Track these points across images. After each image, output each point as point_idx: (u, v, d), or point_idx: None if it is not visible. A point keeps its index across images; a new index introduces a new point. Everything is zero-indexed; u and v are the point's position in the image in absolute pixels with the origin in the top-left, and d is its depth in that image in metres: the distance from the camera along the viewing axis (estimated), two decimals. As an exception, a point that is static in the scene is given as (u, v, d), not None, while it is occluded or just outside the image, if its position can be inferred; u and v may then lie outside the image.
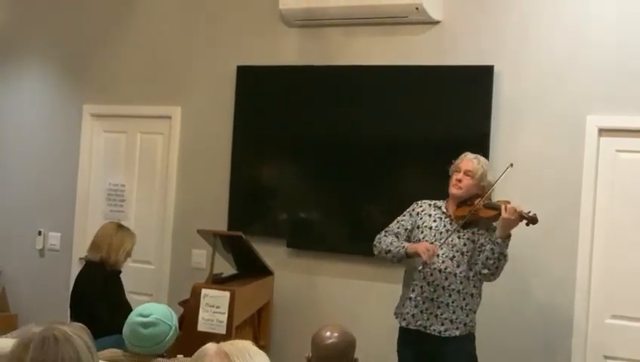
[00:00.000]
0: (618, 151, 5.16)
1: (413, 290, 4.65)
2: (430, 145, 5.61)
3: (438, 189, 5.47)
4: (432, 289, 4.57)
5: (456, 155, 5.44)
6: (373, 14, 5.69)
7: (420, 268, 4.54)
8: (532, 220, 4.46)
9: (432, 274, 4.58)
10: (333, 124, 5.91)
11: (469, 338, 4.66)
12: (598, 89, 5.17)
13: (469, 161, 4.70)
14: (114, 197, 6.78)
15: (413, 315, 4.63)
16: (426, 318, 4.59)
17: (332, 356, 3.38)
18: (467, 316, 4.60)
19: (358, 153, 5.82)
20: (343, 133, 5.88)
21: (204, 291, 5.23)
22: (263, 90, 6.17)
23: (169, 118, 6.54)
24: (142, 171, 6.70)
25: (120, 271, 5.57)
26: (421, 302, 4.61)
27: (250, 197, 6.21)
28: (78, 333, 2.19)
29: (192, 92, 6.46)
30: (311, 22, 5.95)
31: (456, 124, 5.52)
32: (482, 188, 4.66)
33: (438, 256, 4.55)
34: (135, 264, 6.28)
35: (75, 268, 6.71)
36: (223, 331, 5.07)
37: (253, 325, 5.70)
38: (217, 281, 5.47)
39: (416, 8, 5.49)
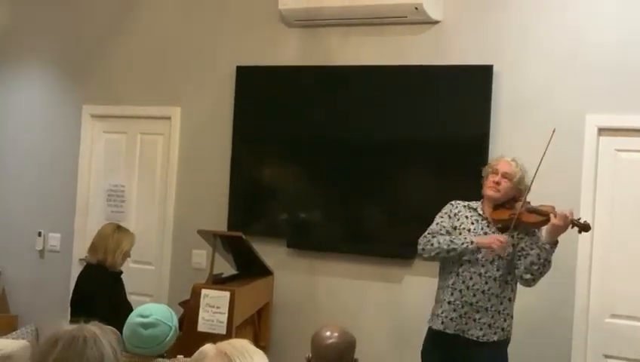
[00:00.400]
0: (618, 150, 5.16)
1: (452, 294, 4.53)
2: (430, 145, 5.61)
3: (437, 189, 5.49)
4: (471, 294, 4.48)
5: (456, 155, 5.47)
6: (373, 14, 5.69)
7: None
8: (584, 227, 4.40)
9: (471, 278, 4.49)
10: (333, 123, 5.91)
11: (504, 344, 4.60)
12: (598, 88, 5.17)
13: (506, 163, 4.61)
14: (114, 197, 6.78)
15: (452, 319, 4.52)
16: (464, 322, 4.50)
17: (332, 356, 3.38)
18: (505, 321, 4.54)
19: (358, 153, 5.82)
20: (342, 133, 5.88)
21: (204, 291, 5.22)
22: (263, 90, 6.17)
23: (169, 118, 6.54)
24: (142, 172, 6.70)
25: (121, 272, 5.57)
26: (460, 306, 4.50)
27: (250, 198, 6.21)
28: (107, 337, 2.20)
29: (192, 92, 6.46)
30: (310, 22, 5.95)
31: (455, 124, 5.53)
32: (520, 192, 4.57)
33: (477, 259, 4.48)
34: (135, 265, 6.28)
35: (75, 269, 6.71)
36: (224, 331, 5.07)
37: (254, 325, 5.71)
38: (217, 281, 5.46)
39: (416, 8, 5.49)
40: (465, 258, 4.50)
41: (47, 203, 7.00)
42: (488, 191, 4.59)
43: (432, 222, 4.72)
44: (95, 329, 2.20)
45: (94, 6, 6.92)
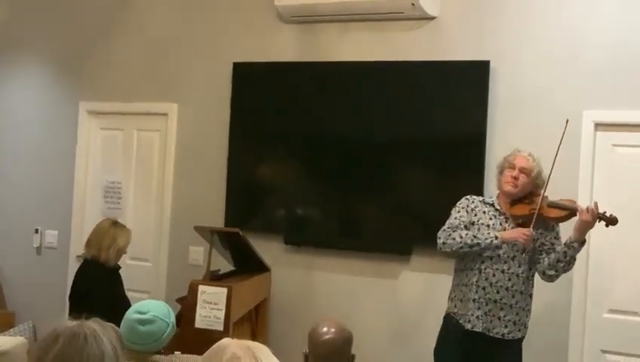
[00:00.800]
0: (614, 145, 5.17)
1: (476, 291, 4.46)
2: (426, 141, 5.61)
3: (434, 185, 5.49)
4: (495, 291, 4.44)
5: (453, 151, 5.47)
6: (369, 10, 5.69)
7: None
8: (611, 221, 4.38)
9: (494, 275, 4.45)
10: (330, 120, 5.91)
11: (522, 341, 4.59)
12: (595, 84, 5.17)
13: (523, 158, 4.56)
14: (111, 194, 6.78)
15: (477, 317, 4.46)
16: (489, 321, 4.45)
17: (329, 352, 3.37)
18: (526, 316, 4.53)
19: (355, 149, 5.82)
20: (339, 129, 5.88)
21: (201, 288, 5.22)
22: (260, 86, 6.17)
23: (165, 115, 6.54)
24: (139, 168, 6.70)
25: (118, 268, 5.57)
26: (484, 304, 4.44)
27: (247, 194, 6.21)
28: (107, 334, 2.20)
29: (189, 89, 6.46)
30: (307, 18, 5.95)
31: (452, 120, 5.53)
32: (536, 186, 4.53)
33: (499, 256, 4.44)
34: (132, 261, 6.29)
35: (73, 266, 6.71)
36: (221, 328, 5.07)
37: (251, 321, 5.71)
38: (215, 278, 5.47)
39: (412, 4, 5.49)
40: (486, 254, 4.45)
41: (44, 200, 7.00)
42: (506, 186, 4.54)
43: (440, 216, 4.69)
44: (95, 326, 2.20)
45: (91, 2, 6.91)
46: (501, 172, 4.63)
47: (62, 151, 6.93)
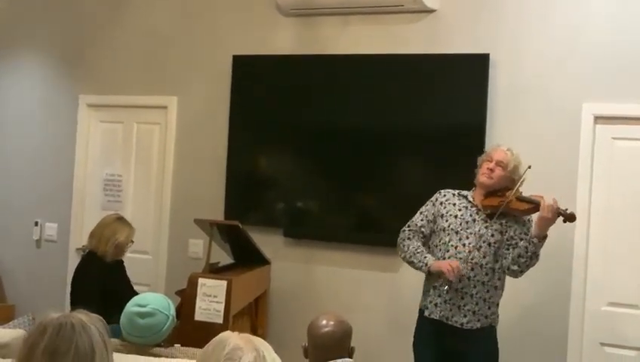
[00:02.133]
0: (614, 138, 5.16)
1: (439, 277, 4.50)
2: (426, 134, 5.61)
3: (434, 177, 5.49)
4: (457, 280, 4.44)
5: (453, 144, 5.47)
6: (369, 3, 5.69)
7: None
8: (569, 217, 4.39)
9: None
10: (329, 112, 5.91)
11: (490, 332, 4.58)
12: (594, 77, 5.17)
13: (501, 151, 4.59)
14: (111, 187, 6.78)
15: (436, 304, 4.52)
16: (449, 309, 4.48)
17: (328, 344, 3.38)
18: (489, 308, 4.52)
19: (354, 142, 5.82)
20: (338, 122, 5.88)
21: (201, 280, 5.22)
22: (259, 79, 6.17)
23: (165, 107, 6.54)
24: (138, 161, 6.70)
25: (120, 261, 5.60)
26: (445, 292, 4.49)
27: (247, 187, 6.21)
28: (94, 324, 2.20)
29: (189, 82, 6.45)
30: (306, 11, 5.95)
31: (452, 113, 5.53)
32: (513, 182, 4.54)
33: (464, 245, 4.47)
34: (132, 254, 6.27)
35: (72, 259, 6.75)
36: (220, 320, 5.07)
37: (251, 314, 5.72)
38: (214, 271, 5.47)
39: (412, -3, 5.49)
40: (451, 243, 4.49)
41: (44, 193, 7.00)
42: (481, 177, 4.58)
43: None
44: (81, 316, 2.21)
45: (90, -5, 6.91)
46: (480, 165, 4.67)
47: (62, 144, 6.93)
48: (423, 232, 4.65)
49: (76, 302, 5.28)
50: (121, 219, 5.65)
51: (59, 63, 7.02)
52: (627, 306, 5.10)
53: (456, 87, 5.51)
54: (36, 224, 7.01)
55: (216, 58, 6.32)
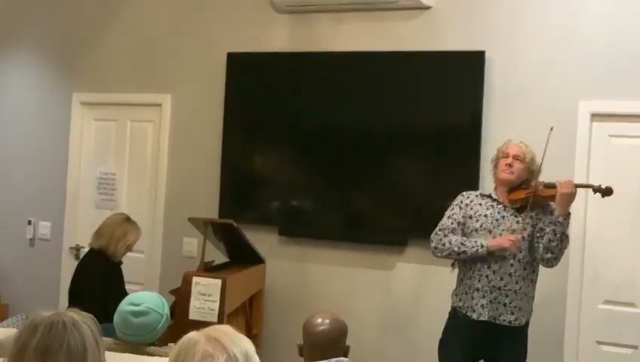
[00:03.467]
0: (611, 136, 5.16)
1: (479, 280, 4.46)
2: (422, 132, 5.60)
3: (429, 175, 5.48)
4: (498, 278, 4.42)
5: (449, 141, 5.46)
6: (364, 0, 5.66)
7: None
8: (604, 191, 4.43)
9: (496, 262, 4.44)
10: (324, 110, 5.89)
11: (527, 327, 4.59)
12: (590, 74, 5.17)
13: (515, 145, 4.59)
14: (104, 185, 6.76)
15: (482, 306, 4.45)
16: (495, 308, 4.44)
17: (323, 343, 3.37)
18: (528, 303, 4.53)
19: (349, 140, 5.80)
20: (333, 119, 5.87)
21: (195, 279, 5.21)
22: (254, 77, 6.15)
23: (159, 105, 6.52)
24: (132, 159, 6.68)
25: (121, 262, 5.61)
26: (489, 292, 4.44)
27: (242, 185, 6.20)
28: (85, 321, 2.19)
29: (183, 80, 6.43)
30: (301, 8, 5.94)
31: (447, 110, 5.52)
32: (532, 173, 4.55)
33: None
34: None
35: (66, 257, 6.74)
36: (215, 319, 5.06)
37: (245, 313, 5.70)
38: (209, 269, 5.46)
39: (407, -7, 5.48)
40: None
41: (37, 191, 6.97)
42: (502, 174, 4.56)
43: (434, 213, 4.70)
44: (73, 314, 2.19)
45: (84, -7, 6.89)
46: (496, 165, 4.64)
47: (55, 143, 6.90)
48: (455, 233, 4.57)
49: (80, 299, 5.27)
50: (129, 220, 5.68)
51: (52, 61, 6.99)
52: (623, 304, 5.10)
53: (451, 85, 5.50)
54: (30, 223, 6.99)
55: (210, 55, 6.30)
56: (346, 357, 3.41)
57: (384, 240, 5.66)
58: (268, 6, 6.09)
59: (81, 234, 6.58)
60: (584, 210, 5.13)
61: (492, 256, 4.43)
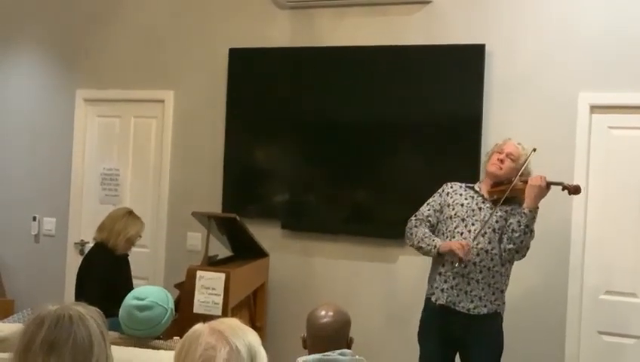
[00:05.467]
0: (610, 127, 5.18)
1: (443, 265, 4.55)
2: (423, 125, 5.62)
3: (431, 168, 5.50)
4: (463, 266, 4.49)
5: (449, 135, 5.48)
6: (365, -5, 5.69)
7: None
8: (571, 189, 4.47)
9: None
10: (326, 105, 5.91)
11: (495, 319, 4.60)
12: (590, 66, 5.18)
13: (512, 144, 4.64)
14: (108, 181, 6.78)
15: (442, 290, 4.55)
16: (455, 294, 4.51)
17: (327, 335, 3.38)
18: (493, 294, 4.53)
19: (351, 134, 5.82)
20: (335, 114, 5.89)
21: (199, 273, 5.23)
22: (256, 72, 6.17)
23: (162, 101, 6.54)
24: (136, 155, 6.70)
25: (126, 255, 5.68)
26: (451, 278, 4.52)
27: (244, 180, 6.22)
28: (92, 315, 2.20)
29: (185, 76, 6.45)
30: (302, 3, 5.95)
31: (448, 104, 5.53)
32: (518, 173, 4.58)
33: (470, 231, 4.51)
34: (131, 248, 6.31)
35: (71, 253, 6.76)
36: (219, 313, 5.08)
37: (249, 306, 5.72)
38: (212, 263, 5.48)
39: (408, -12, 5.49)
40: (457, 230, 4.54)
41: (42, 187, 6.99)
42: (491, 167, 4.62)
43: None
44: (79, 308, 2.20)
45: (86, -10, 6.90)
46: (489, 157, 4.71)
47: (59, 139, 6.93)
48: (430, 221, 4.68)
49: (82, 292, 5.33)
50: (131, 214, 5.72)
51: (55, 59, 7.01)
52: (625, 294, 5.12)
53: (452, 78, 5.52)
54: (34, 219, 7.01)
55: (212, 51, 6.32)
56: (350, 348, 3.43)
57: (386, 233, 5.68)
58: (269, 2, 6.11)
59: (86, 229, 6.59)
60: (585, 200, 5.15)
61: (461, 238, 4.51)
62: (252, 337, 2.03)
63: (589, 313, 5.19)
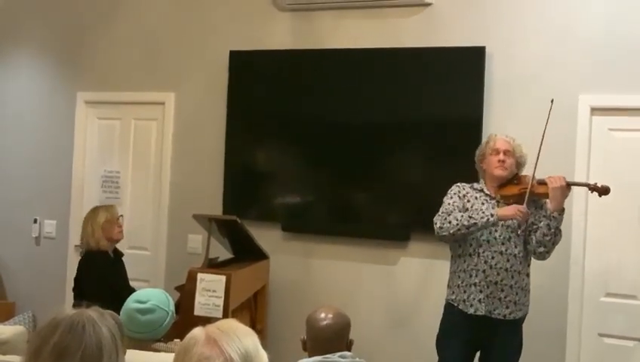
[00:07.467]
0: (611, 129, 5.18)
1: (476, 275, 4.52)
2: (423, 127, 5.63)
3: (432, 170, 5.50)
4: (495, 273, 4.48)
5: (450, 137, 5.48)
6: (365, -3, 5.70)
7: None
8: (602, 190, 4.47)
9: (493, 258, 4.49)
10: (327, 107, 5.92)
11: (522, 320, 4.64)
12: (590, 68, 5.19)
13: (504, 141, 4.66)
14: (109, 183, 6.78)
15: (480, 300, 4.50)
16: (491, 303, 4.50)
17: (327, 337, 3.38)
18: (525, 296, 4.58)
19: (351, 136, 5.83)
20: (335, 116, 5.89)
21: (200, 276, 5.23)
22: (256, 74, 6.18)
23: (163, 104, 6.54)
24: (136, 157, 6.71)
25: (121, 254, 5.64)
26: (485, 287, 4.49)
27: (245, 182, 6.22)
28: (106, 323, 2.17)
29: (186, 78, 6.46)
30: (302, 5, 5.96)
31: (448, 106, 5.54)
32: (519, 166, 4.66)
33: (495, 238, 4.51)
34: (131, 250, 6.30)
35: (72, 256, 6.76)
36: (220, 315, 5.08)
37: (250, 309, 5.72)
38: (213, 266, 5.48)
39: (408, -10, 5.50)
40: (483, 238, 4.51)
41: (43, 190, 7.00)
42: (497, 171, 4.62)
43: (441, 204, 4.68)
44: (94, 314, 2.18)
45: (87, -8, 6.91)
46: (482, 160, 4.72)
47: (60, 142, 6.93)
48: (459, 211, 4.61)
49: (81, 298, 5.32)
50: (93, 209, 5.66)
51: (56, 61, 7.01)
52: (625, 297, 5.12)
53: (452, 81, 5.52)
54: (35, 221, 7.02)
55: (213, 54, 6.33)
56: (350, 351, 3.43)
57: (387, 235, 5.69)
58: (269, 4, 6.11)
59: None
60: (585, 202, 5.15)
61: (490, 246, 4.50)
62: (249, 341, 2.01)
63: (589, 315, 5.20)
